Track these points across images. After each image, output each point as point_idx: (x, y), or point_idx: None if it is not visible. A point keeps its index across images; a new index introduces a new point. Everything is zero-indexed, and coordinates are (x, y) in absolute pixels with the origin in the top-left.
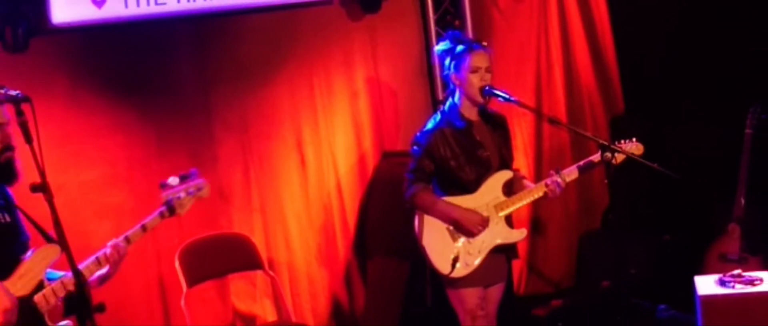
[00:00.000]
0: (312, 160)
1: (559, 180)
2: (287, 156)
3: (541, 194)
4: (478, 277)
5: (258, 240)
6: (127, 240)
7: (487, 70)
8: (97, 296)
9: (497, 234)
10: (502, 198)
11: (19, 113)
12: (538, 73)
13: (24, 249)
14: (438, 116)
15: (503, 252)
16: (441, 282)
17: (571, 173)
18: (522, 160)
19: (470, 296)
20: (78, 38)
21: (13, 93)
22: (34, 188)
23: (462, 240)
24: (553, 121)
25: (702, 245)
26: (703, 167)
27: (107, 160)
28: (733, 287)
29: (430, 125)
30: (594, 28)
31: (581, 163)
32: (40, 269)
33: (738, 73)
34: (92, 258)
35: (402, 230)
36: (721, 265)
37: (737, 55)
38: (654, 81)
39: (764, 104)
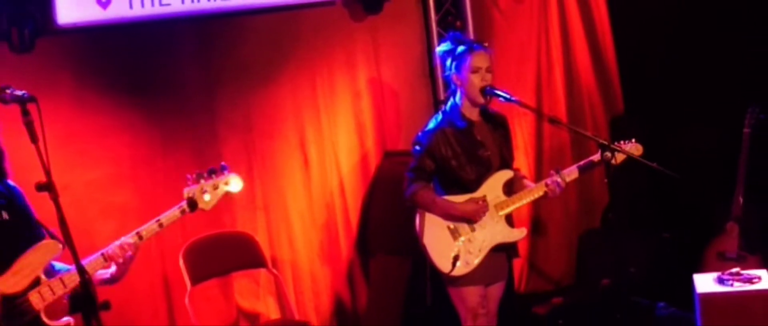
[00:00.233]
0: (315, 160)
1: (559, 179)
2: (290, 155)
3: (541, 193)
4: (479, 276)
5: (261, 239)
6: (140, 236)
7: (488, 70)
8: (102, 294)
9: (498, 233)
10: (503, 197)
11: (25, 113)
12: (539, 74)
13: (29, 246)
14: (439, 116)
15: (504, 251)
16: (442, 281)
17: (571, 173)
18: (522, 160)
19: (471, 294)
20: (83, 39)
21: (19, 93)
22: (40, 187)
23: (462, 239)
24: (554, 121)
25: (701, 244)
26: (702, 167)
27: (112, 160)
28: (732, 285)
29: (431, 125)
30: (594, 29)
31: (581, 162)
32: (37, 266)
33: (736, 74)
34: (97, 254)
35: (404, 229)
36: (719, 263)
37: (736, 57)
38: (653, 81)
39: (762, 104)
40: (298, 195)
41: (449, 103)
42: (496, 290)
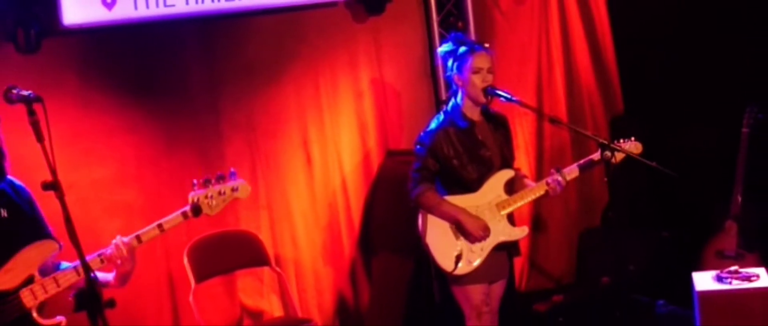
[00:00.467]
0: (318, 159)
1: (559, 178)
2: (293, 154)
3: (542, 192)
4: (482, 274)
5: (265, 237)
6: (139, 238)
7: (489, 71)
8: (107, 292)
9: (499, 232)
10: (504, 196)
11: (31, 113)
12: (539, 74)
13: (28, 244)
14: (441, 116)
15: (505, 250)
16: (445, 279)
17: (571, 172)
18: (523, 159)
19: (475, 292)
20: (89, 39)
21: (25, 93)
22: (46, 186)
23: (464, 238)
24: (554, 121)
25: (700, 242)
26: (701, 166)
27: (117, 159)
28: (730, 283)
29: (433, 125)
30: (594, 30)
31: (581, 161)
32: (31, 264)
33: (735, 74)
34: (94, 255)
35: (406, 227)
36: (718, 262)
37: (734, 57)
38: (653, 82)
39: (760, 104)
40: (301, 194)
41: (451, 103)
42: (498, 288)
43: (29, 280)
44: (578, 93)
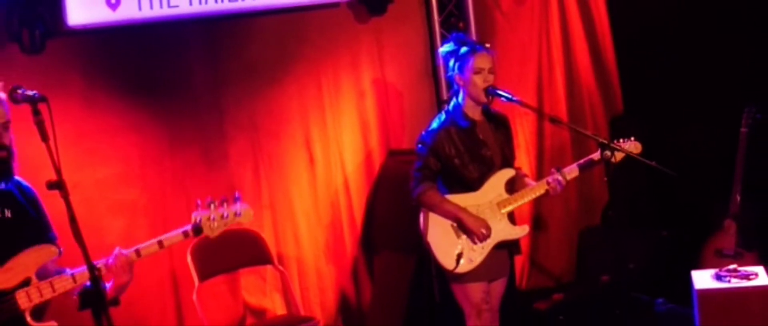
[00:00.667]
0: (320, 158)
1: (560, 178)
2: (296, 154)
3: (542, 192)
4: (482, 272)
5: (268, 236)
6: (138, 253)
7: (490, 71)
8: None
9: (500, 230)
10: (505, 195)
11: (36, 112)
12: (540, 74)
13: (30, 246)
14: (443, 116)
15: (506, 248)
16: (446, 278)
17: (571, 171)
18: (524, 158)
19: (475, 290)
20: (93, 40)
21: (30, 93)
22: (51, 185)
23: (465, 236)
24: (554, 120)
25: (699, 241)
26: (700, 165)
27: (121, 158)
28: (729, 281)
29: (435, 124)
30: (594, 30)
31: (581, 161)
32: (29, 266)
33: (733, 75)
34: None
35: (408, 226)
36: (717, 260)
37: (733, 57)
38: (652, 82)
39: (759, 104)
40: (303, 193)
41: (452, 103)
42: (499, 286)
43: (26, 282)
44: (578, 93)
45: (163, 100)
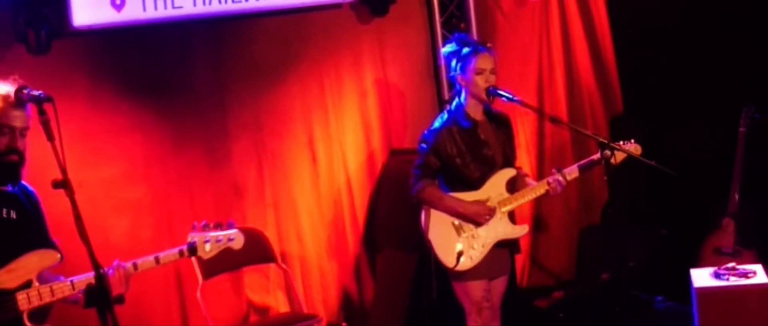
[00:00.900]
0: (323, 158)
1: (560, 178)
2: (299, 153)
3: (543, 192)
4: (483, 270)
5: (271, 235)
6: (135, 266)
7: (492, 71)
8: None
9: (500, 229)
10: (506, 195)
11: (42, 112)
12: (540, 74)
13: (31, 249)
14: (445, 115)
15: (506, 247)
16: (447, 275)
17: (572, 172)
18: (524, 158)
19: (476, 288)
20: (98, 40)
21: (36, 93)
22: (56, 184)
23: (466, 235)
24: (555, 120)
25: (698, 239)
26: (699, 165)
27: (126, 158)
28: (728, 279)
29: (437, 124)
30: (594, 31)
31: (582, 162)
32: (32, 269)
33: (732, 75)
34: (90, 274)
35: (409, 225)
36: (716, 258)
37: (731, 58)
38: (652, 82)
39: (757, 104)
40: (306, 192)
41: (454, 103)
42: (499, 284)
43: (27, 284)
44: (578, 93)
45: (167, 99)
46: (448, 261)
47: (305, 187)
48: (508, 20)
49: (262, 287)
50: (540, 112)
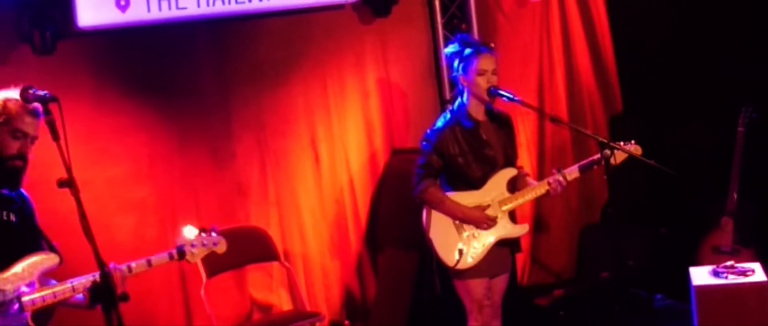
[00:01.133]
0: (325, 157)
1: (560, 178)
2: (302, 153)
3: (543, 191)
4: (484, 269)
5: (274, 233)
6: (129, 268)
7: (494, 72)
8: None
9: (501, 228)
10: (507, 194)
11: (47, 112)
12: (541, 74)
13: (28, 253)
14: (448, 115)
15: (507, 246)
16: (448, 274)
17: (572, 172)
18: (525, 157)
19: (477, 286)
20: (103, 41)
21: (41, 93)
22: (62, 184)
23: (467, 234)
24: (555, 120)
25: (697, 238)
26: (698, 164)
27: (131, 157)
28: (726, 277)
29: (440, 123)
30: (594, 32)
31: (582, 162)
32: (33, 271)
33: (730, 76)
34: (89, 276)
35: (411, 223)
36: (714, 257)
37: (730, 58)
38: (651, 82)
39: (755, 104)
40: (309, 191)
41: (457, 103)
42: (500, 282)
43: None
44: (578, 93)
45: (171, 99)
46: (449, 259)
47: (308, 186)
48: (508, 21)
49: (265, 285)
50: (540, 112)
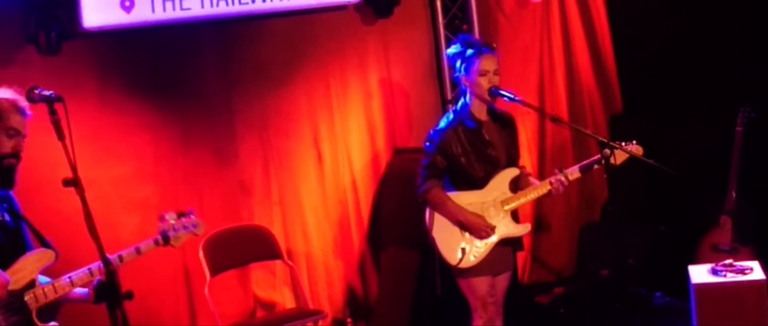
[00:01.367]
0: (328, 157)
1: (562, 178)
2: (305, 152)
3: (545, 191)
4: (486, 267)
5: (277, 232)
6: (121, 258)
7: (495, 72)
8: (125, 284)
9: (503, 228)
10: (509, 194)
11: (52, 112)
12: (541, 75)
13: (24, 251)
14: (451, 115)
15: (509, 244)
16: (451, 272)
17: (573, 172)
18: (526, 157)
19: (480, 284)
20: (108, 41)
21: (46, 93)
22: (67, 183)
23: (469, 233)
24: (556, 120)
25: (696, 236)
26: (697, 163)
27: (135, 157)
28: (725, 276)
29: (443, 124)
30: (594, 32)
31: (583, 163)
32: (31, 270)
33: (729, 75)
34: (84, 269)
35: (413, 222)
36: (713, 255)
37: (729, 58)
38: (651, 82)
39: (754, 104)
40: (312, 190)
41: (460, 103)
42: (503, 280)
43: (30, 284)
44: (579, 93)
45: (175, 99)
46: (452, 258)
47: (311, 186)
48: (509, 21)
49: (268, 283)
50: (541, 112)
